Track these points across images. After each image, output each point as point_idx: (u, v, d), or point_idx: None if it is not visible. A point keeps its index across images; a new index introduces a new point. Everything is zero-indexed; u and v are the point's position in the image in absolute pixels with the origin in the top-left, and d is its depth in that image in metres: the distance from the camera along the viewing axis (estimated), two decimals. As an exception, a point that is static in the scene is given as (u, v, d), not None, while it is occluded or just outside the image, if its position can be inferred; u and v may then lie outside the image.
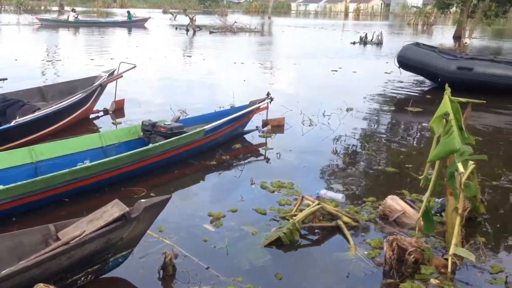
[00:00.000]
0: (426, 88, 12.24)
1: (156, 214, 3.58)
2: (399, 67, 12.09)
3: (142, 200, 3.44)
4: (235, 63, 15.94)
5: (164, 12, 53.87)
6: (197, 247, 4.13)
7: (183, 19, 34.71)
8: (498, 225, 4.67)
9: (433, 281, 3.66)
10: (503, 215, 5.00)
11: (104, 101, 8.72)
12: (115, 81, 8.71)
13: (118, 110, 8.81)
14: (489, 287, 3.65)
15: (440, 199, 4.84)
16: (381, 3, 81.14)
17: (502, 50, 23.09)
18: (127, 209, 3.32)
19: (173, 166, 6.02)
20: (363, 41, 24.57)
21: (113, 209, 3.34)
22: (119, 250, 3.43)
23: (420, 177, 4.25)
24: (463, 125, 3.79)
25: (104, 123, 8.13)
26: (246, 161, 6.55)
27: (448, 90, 3.93)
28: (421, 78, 12.81)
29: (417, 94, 11.57)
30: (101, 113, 8.67)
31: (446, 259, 3.85)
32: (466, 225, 4.22)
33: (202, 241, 4.23)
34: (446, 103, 3.84)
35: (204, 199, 5.27)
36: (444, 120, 3.87)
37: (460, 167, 3.67)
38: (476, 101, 4.10)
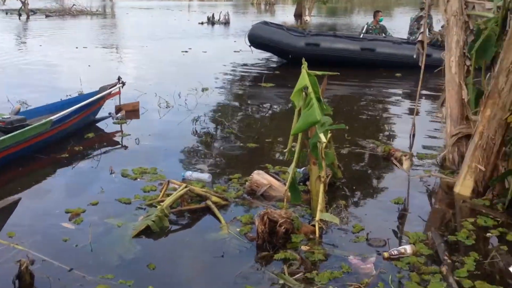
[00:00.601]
0: (275, 65, 12.68)
1: (3, 220, 3.13)
2: (250, 46, 12.30)
3: (-15, 206, 2.96)
4: (77, 48, 14.86)
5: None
6: (57, 248, 3.74)
7: (14, 3, 31.39)
8: (354, 187, 4.99)
9: (303, 247, 3.77)
10: (356, 177, 5.35)
11: None
12: None
13: None
14: (353, 246, 3.85)
15: (302, 169, 5.00)
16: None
17: (337, 26, 24.88)
18: (-34, 217, 2.83)
19: (18, 163, 5.39)
20: (211, 21, 24.66)
21: None
22: (-39, 266, 2.93)
23: (284, 150, 4.33)
24: (321, 96, 3.92)
25: None
26: (102, 150, 6.13)
27: (305, 64, 4.02)
28: (269, 55, 13.22)
29: (267, 71, 11.91)
30: None
31: (314, 225, 4.00)
32: (327, 191, 4.41)
33: (62, 241, 3.84)
34: (304, 77, 3.93)
35: (59, 196, 4.80)
36: (304, 93, 3.97)
37: (322, 137, 3.80)
38: (331, 73, 4.27)
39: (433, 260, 3.61)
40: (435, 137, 6.57)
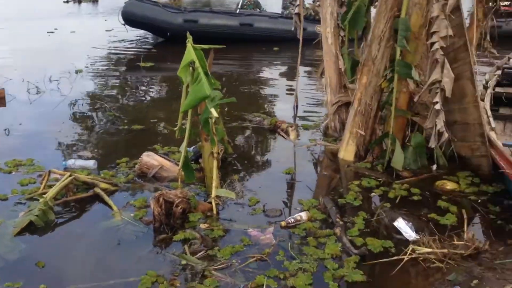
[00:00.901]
0: (151, 43, 12.29)
1: None
2: (124, 24, 11.71)
3: None
4: None
5: None
6: None
7: None
8: (245, 161, 5.03)
9: (202, 225, 3.72)
10: (247, 151, 5.42)
11: None
12: None
13: None
14: (251, 218, 3.88)
15: (192, 148, 4.91)
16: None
17: (211, 2, 24.72)
18: None
19: None
20: (77, 0, 23.13)
21: None
22: None
23: (174, 129, 4.19)
24: (208, 71, 3.84)
25: None
26: (-35, 144, 5.49)
27: (190, 38, 3.90)
28: (144, 33, 12.77)
29: (144, 50, 11.51)
30: None
31: (210, 203, 3.96)
32: (220, 167, 4.37)
33: None
34: (190, 52, 3.81)
35: None
36: (191, 68, 3.86)
37: (214, 112, 3.73)
38: (217, 46, 4.20)
39: (327, 224, 3.77)
40: (317, 107, 6.84)
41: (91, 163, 4.76)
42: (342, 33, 5.75)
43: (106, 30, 13.65)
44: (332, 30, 5.64)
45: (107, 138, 5.73)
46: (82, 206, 4.04)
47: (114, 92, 7.93)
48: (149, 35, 12.69)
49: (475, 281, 3.02)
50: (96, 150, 5.32)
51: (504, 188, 4.17)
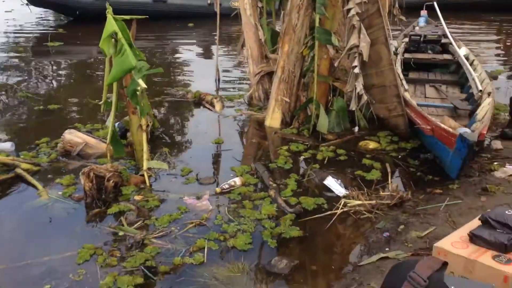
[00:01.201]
0: (56, 23, 11.65)
1: None
2: (27, 4, 10.97)
3: None
4: None
5: None
6: None
7: None
8: (173, 134, 4.99)
9: (136, 197, 3.67)
10: (174, 125, 5.37)
11: None
12: None
13: None
14: (185, 187, 3.87)
15: (117, 123, 4.76)
16: None
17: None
18: None
19: None
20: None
21: None
22: None
23: (100, 102, 4.04)
24: (132, 42, 3.74)
25: None
26: None
27: (109, 9, 3.76)
28: (45, 12, 12.09)
29: (51, 30, 10.87)
30: None
31: (142, 175, 3.90)
32: (149, 140, 4.29)
33: None
34: (111, 23, 3.68)
35: None
36: (113, 40, 3.73)
37: (141, 83, 3.64)
38: (139, 17, 4.09)
39: (260, 188, 3.85)
40: (239, 78, 6.88)
41: (8, 145, 4.47)
42: (260, 5, 5.80)
43: (6, 11, 12.76)
44: (250, 2, 5.67)
45: (23, 120, 5.41)
46: (3, 188, 3.81)
47: (22, 72, 7.46)
48: (50, 13, 12.00)
49: (401, 227, 3.24)
50: (12, 132, 5.00)
51: (420, 143, 4.48)
